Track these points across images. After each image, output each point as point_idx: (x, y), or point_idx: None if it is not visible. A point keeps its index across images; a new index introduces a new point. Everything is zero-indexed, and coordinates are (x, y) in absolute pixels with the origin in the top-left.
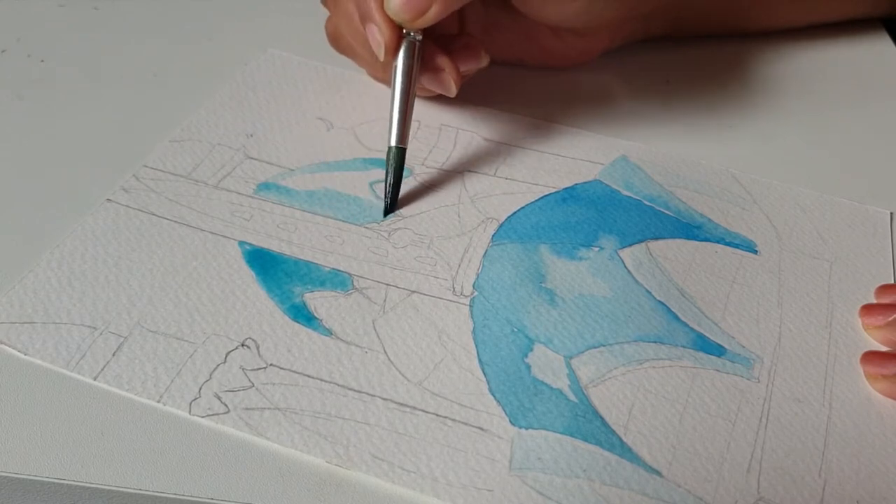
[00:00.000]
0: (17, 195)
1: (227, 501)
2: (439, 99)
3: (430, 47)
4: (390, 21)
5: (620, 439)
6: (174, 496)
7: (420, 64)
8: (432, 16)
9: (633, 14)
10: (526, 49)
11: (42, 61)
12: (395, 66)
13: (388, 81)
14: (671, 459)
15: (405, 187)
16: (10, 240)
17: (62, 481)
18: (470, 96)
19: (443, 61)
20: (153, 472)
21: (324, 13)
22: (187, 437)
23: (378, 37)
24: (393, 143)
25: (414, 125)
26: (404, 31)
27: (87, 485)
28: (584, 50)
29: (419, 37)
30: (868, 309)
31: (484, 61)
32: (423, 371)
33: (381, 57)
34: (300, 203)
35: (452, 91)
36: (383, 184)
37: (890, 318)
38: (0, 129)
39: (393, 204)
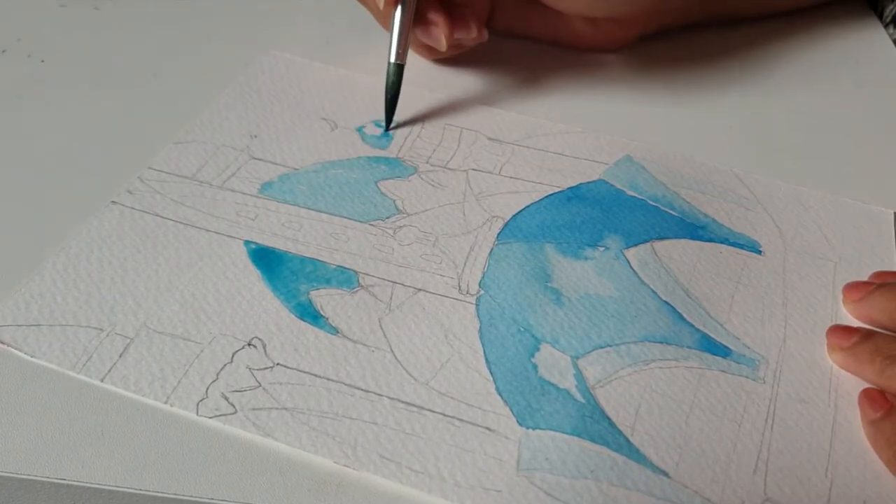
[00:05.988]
0: (21, 198)
1: (228, 502)
2: (443, 98)
3: (426, 2)
4: None
5: (627, 440)
6: (175, 496)
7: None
8: None
9: (663, 7)
10: (560, 33)
11: (42, 61)
12: (394, 14)
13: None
14: (678, 460)
15: (409, 185)
16: (14, 243)
17: (62, 481)
18: (473, 95)
19: (436, 17)
20: (155, 472)
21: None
22: (195, 438)
23: None
24: (392, 60)
25: (418, 124)
26: None
27: (89, 485)
28: (616, 37)
29: None
30: (850, 287)
31: (473, 33)
32: (430, 370)
33: (381, 6)
34: (305, 202)
35: (442, 45)
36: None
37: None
38: (0, 129)
39: (389, 119)
